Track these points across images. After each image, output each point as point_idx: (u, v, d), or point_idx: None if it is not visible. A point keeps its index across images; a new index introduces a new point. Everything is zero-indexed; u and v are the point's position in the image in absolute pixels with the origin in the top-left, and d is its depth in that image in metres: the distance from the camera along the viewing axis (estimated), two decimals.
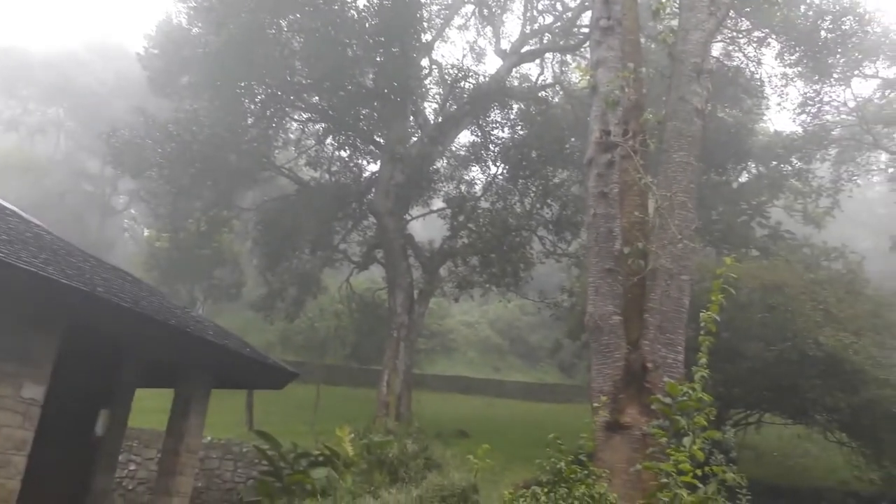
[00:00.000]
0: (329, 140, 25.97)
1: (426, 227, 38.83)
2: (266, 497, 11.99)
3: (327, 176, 25.59)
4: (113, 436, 10.76)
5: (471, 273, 21.99)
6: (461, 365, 34.38)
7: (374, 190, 23.50)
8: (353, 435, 13.39)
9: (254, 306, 24.68)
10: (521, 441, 15.75)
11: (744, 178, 26.24)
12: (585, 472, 4.75)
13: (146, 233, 36.96)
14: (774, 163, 25.40)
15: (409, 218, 25.68)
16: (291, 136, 27.11)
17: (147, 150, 21.93)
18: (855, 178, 27.77)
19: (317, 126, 26.46)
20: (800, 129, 25.83)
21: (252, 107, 23.36)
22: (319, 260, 24.12)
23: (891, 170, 29.98)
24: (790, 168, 25.48)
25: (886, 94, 27.91)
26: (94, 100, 52.22)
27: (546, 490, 4.31)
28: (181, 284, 27.24)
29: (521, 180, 23.31)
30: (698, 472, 4.60)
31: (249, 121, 23.45)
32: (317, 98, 23.93)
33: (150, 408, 13.83)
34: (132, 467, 14.15)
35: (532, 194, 23.11)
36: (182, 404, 10.65)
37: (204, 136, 20.87)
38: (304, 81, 22.59)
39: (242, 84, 22.01)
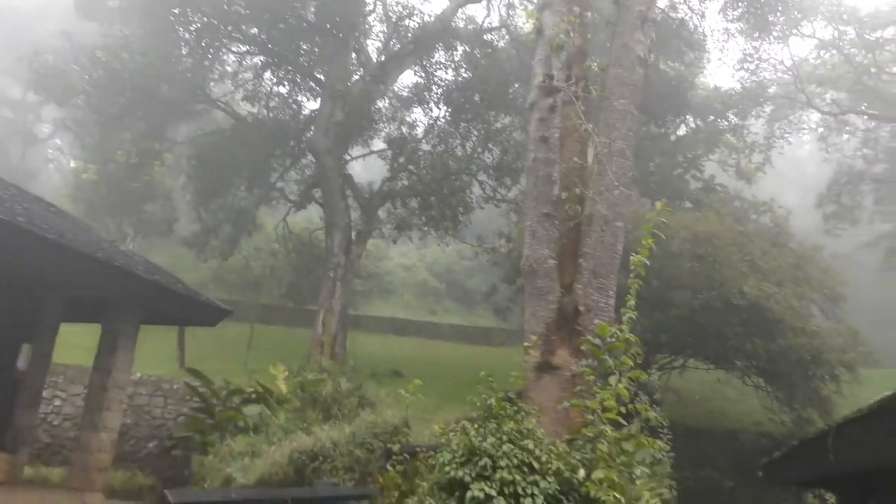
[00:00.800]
0: (267, 74, 25.20)
1: (366, 168, 38.43)
2: (197, 433, 11.94)
3: (265, 111, 24.90)
4: (36, 370, 10.45)
5: (410, 215, 21.91)
6: (398, 307, 34.56)
7: (313, 128, 23.00)
8: (287, 373, 13.38)
9: (186, 243, 24.11)
10: (455, 382, 16.02)
11: (682, 131, 26.69)
12: (515, 408, 4.85)
13: (72, 164, 35.46)
14: (712, 117, 25.88)
15: (348, 158, 25.30)
16: (228, 68, 26.18)
17: (73, 77, 20.85)
18: (787, 135, 28.62)
19: (255, 59, 25.60)
20: (738, 86, 26.33)
21: (186, 35, 22.35)
22: (255, 197, 23.62)
23: (821, 129, 30.99)
24: (726, 123, 26.02)
25: (821, 54, 28.63)
26: (17, 21, 49.20)
27: (476, 425, 4.39)
28: (110, 219, 26.34)
29: (463, 124, 23.15)
30: (623, 409, 4.75)
31: (184, 50, 22.47)
32: (255, 30, 23.08)
33: (76, 343, 13.47)
34: (57, 403, 13.83)
35: (474, 138, 23.01)
36: (109, 339, 10.40)
37: (135, 65, 19.93)
38: (242, 12, 21.70)
39: (176, 10, 21.02)
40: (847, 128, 30.70)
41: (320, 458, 9.07)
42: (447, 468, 4.11)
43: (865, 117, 29.48)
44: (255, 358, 18.23)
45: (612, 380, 4.67)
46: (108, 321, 10.51)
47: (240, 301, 26.72)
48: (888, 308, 36.99)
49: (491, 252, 22.77)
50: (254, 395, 12.54)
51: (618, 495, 5.61)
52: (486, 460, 4.06)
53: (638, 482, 7.29)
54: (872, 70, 27.32)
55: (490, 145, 22.45)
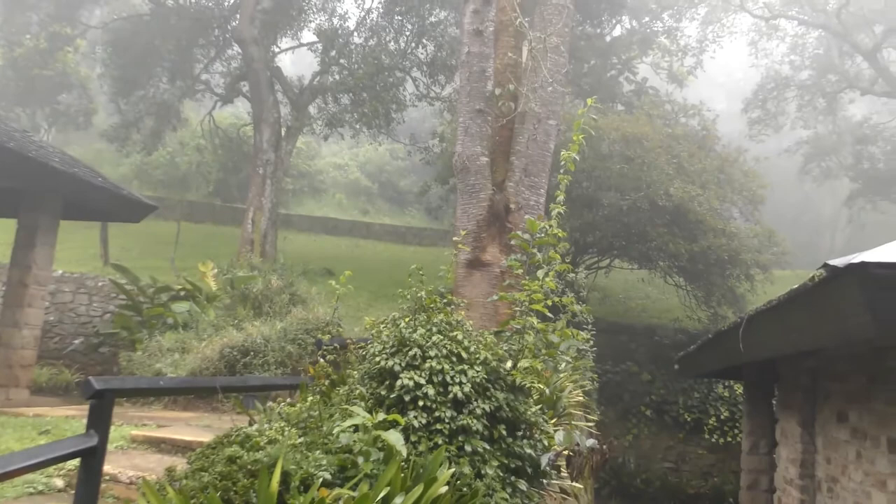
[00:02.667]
0: None
1: (296, 62, 37.00)
2: (124, 330, 11.79)
3: None
4: None
5: (341, 112, 21.32)
6: (329, 207, 34.20)
7: (238, 16, 21.82)
8: (216, 270, 13.21)
9: (106, 136, 22.95)
10: (387, 281, 16.16)
11: (617, 32, 26.46)
12: (445, 301, 4.92)
13: None
14: (647, 19, 25.69)
15: (277, 50, 24.24)
16: None
17: None
18: (720, 38, 28.75)
19: None
20: None
21: None
22: (179, 90, 22.46)
23: (752, 34, 31.23)
24: (661, 25, 25.88)
25: None
26: None
27: (406, 317, 4.45)
28: (20, 108, 24.78)
29: (397, 17, 22.34)
30: (549, 302, 4.88)
31: None
32: None
33: None
34: None
35: (408, 33, 22.27)
36: (26, 234, 10.01)
37: None
38: None
39: None
40: (777, 33, 31.04)
41: (251, 353, 9.12)
42: (378, 358, 4.18)
43: (795, 23, 29.82)
44: (183, 256, 17.89)
45: (540, 273, 4.77)
46: (25, 215, 10.08)
47: (166, 198, 25.94)
48: (804, 211, 38.74)
49: (424, 151, 22.54)
50: (182, 293, 12.39)
51: (541, 385, 5.85)
52: (415, 350, 4.13)
53: (562, 374, 7.61)
54: None
55: (424, 40, 21.79)
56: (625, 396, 14.82)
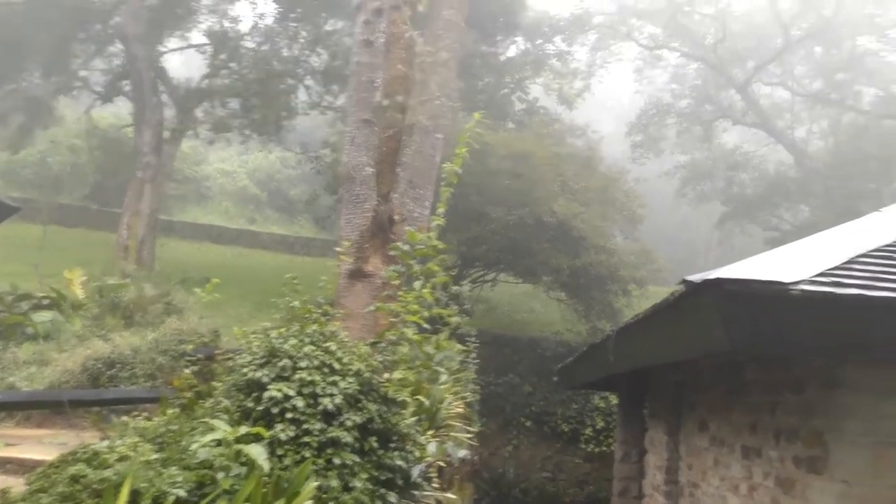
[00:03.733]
0: None
1: (186, 64, 35.68)
2: None
3: None
4: None
5: (229, 117, 20.72)
6: (215, 214, 33.08)
7: (122, 10, 20.84)
8: (84, 278, 12.48)
9: None
10: (272, 291, 15.64)
11: (512, 52, 27.14)
12: (320, 311, 4.83)
13: None
14: (540, 41, 26.48)
15: (163, 49, 23.33)
16: None
17: None
18: (607, 64, 30.01)
19: None
20: (566, 12, 27.04)
21: None
22: (53, 85, 21.21)
23: (637, 62, 32.74)
24: (553, 48, 26.74)
25: None
26: None
27: (279, 328, 4.33)
28: None
29: (291, 24, 21.99)
30: (426, 314, 4.88)
31: None
32: None
33: None
34: None
35: (302, 40, 21.97)
36: None
37: None
38: None
39: None
40: (661, 62, 32.70)
41: (118, 364, 8.63)
42: (246, 369, 4.03)
43: (677, 54, 31.49)
44: (52, 262, 16.79)
45: (417, 284, 4.77)
46: None
47: (34, 200, 24.31)
48: (681, 231, 40.75)
49: (315, 161, 22.24)
50: (46, 301, 11.60)
51: (420, 397, 5.83)
52: (286, 361, 4.03)
53: (442, 386, 7.62)
54: (686, 9, 29.10)
55: (319, 49, 21.55)
56: (506, 408, 15.07)
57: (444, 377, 7.85)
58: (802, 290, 3.18)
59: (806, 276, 3.27)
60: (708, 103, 31.34)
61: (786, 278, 3.22)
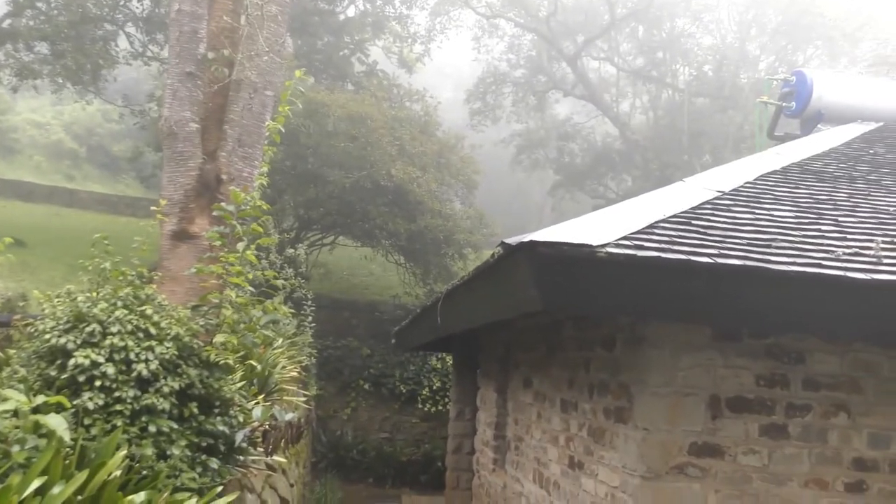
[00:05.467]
0: None
1: None
2: None
3: None
4: None
5: (36, 62, 18.80)
6: (25, 169, 30.11)
7: None
8: None
9: None
10: (91, 253, 14.69)
11: (351, 12, 26.66)
12: (135, 274, 4.56)
13: None
14: (380, 2, 26.21)
15: None
16: None
17: None
18: (447, 30, 30.27)
19: None
20: None
21: None
22: None
23: (475, 30, 33.26)
24: (393, 10, 26.56)
25: None
26: None
27: (92, 291, 4.04)
28: None
29: None
30: (250, 276, 4.74)
31: None
32: None
33: None
34: None
35: None
36: None
37: None
38: None
39: None
40: (498, 32, 33.39)
41: None
42: (48, 336, 3.74)
43: (513, 24, 32.30)
44: None
45: (240, 246, 4.61)
46: None
47: None
48: (516, 198, 42.24)
49: (139, 115, 20.78)
50: None
51: (248, 361, 5.70)
52: (94, 326, 3.77)
53: (277, 350, 7.49)
54: None
55: None
56: (345, 371, 15.12)
57: (278, 341, 7.73)
58: (608, 253, 3.39)
59: (611, 240, 3.48)
60: (541, 74, 32.50)
61: (593, 241, 3.41)
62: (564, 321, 5.98)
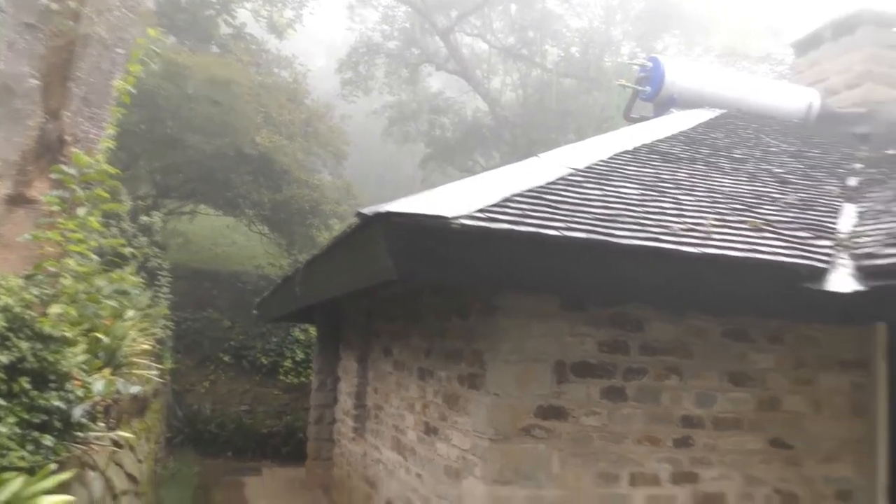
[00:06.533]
0: None
1: None
2: None
3: None
4: None
5: None
6: None
7: None
8: None
9: None
10: None
11: None
12: None
13: None
14: None
15: None
16: None
17: None
18: None
19: None
20: None
21: None
22: None
23: None
24: None
25: None
26: None
27: None
28: None
29: None
30: (93, 243, 4.48)
31: None
32: None
33: None
34: None
35: None
36: None
37: None
38: None
39: None
40: (373, 1, 32.88)
41: None
42: None
43: None
44: None
45: (82, 211, 4.34)
46: None
47: None
48: (388, 170, 42.16)
49: None
50: None
51: (94, 333, 5.40)
52: None
53: (127, 322, 7.13)
54: None
55: None
56: (204, 343, 14.64)
57: (129, 313, 7.37)
58: (462, 224, 3.47)
59: (466, 212, 3.56)
60: (415, 47, 32.39)
61: (448, 213, 3.48)
62: (423, 291, 6.08)
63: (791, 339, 5.16)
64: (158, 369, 8.78)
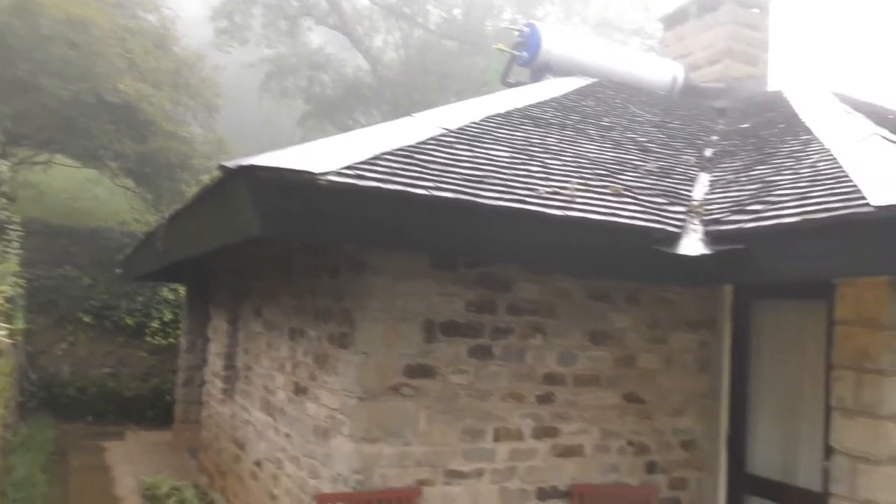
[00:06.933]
0: None
1: None
2: None
3: None
4: None
5: None
6: None
7: None
8: None
9: None
10: None
11: None
12: None
13: None
14: None
15: None
16: None
17: None
18: None
19: None
20: None
21: None
22: None
23: None
24: None
25: None
26: None
27: None
28: None
29: None
30: None
31: None
32: None
33: None
34: None
35: None
36: None
37: None
38: None
39: None
40: None
41: None
42: None
43: None
44: None
45: None
46: None
47: None
48: (267, 126, 40.85)
49: None
50: None
51: None
52: None
53: None
54: None
55: None
56: (61, 302, 13.75)
57: None
58: (329, 181, 3.40)
59: (334, 168, 3.49)
60: None
61: (315, 168, 3.40)
62: (295, 250, 5.98)
63: (647, 300, 5.47)
64: (7, 329, 8.22)
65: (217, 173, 3.67)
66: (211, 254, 5.86)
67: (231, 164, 3.44)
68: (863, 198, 3.43)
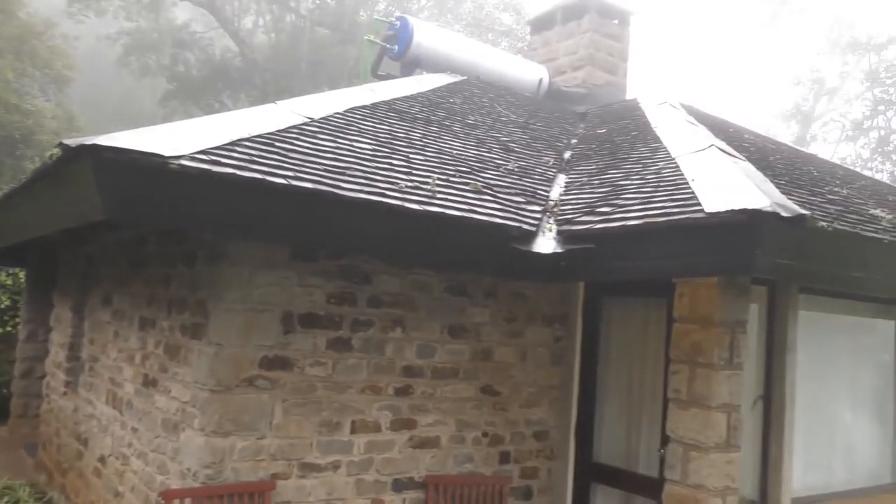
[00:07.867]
0: None
1: None
2: None
3: None
4: None
5: None
6: None
7: None
8: None
9: None
10: None
11: None
12: None
13: None
14: None
15: None
16: None
17: None
18: None
19: None
20: None
21: None
22: None
23: None
24: None
25: None
26: None
27: None
28: None
29: None
30: None
31: None
32: None
33: None
34: None
35: None
36: None
37: None
38: None
39: None
40: None
41: None
42: None
43: None
44: None
45: None
46: None
47: None
48: (127, 103, 38.57)
49: None
50: None
51: None
52: None
53: None
54: None
55: None
56: None
57: None
58: (181, 165, 3.27)
59: (187, 152, 3.36)
60: None
61: (166, 152, 3.26)
62: (148, 236, 5.71)
63: (504, 295, 5.64)
64: None
65: (57, 151, 3.44)
66: (55, 237, 5.49)
67: (73, 142, 3.23)
68: (698, 204, 3.70)
